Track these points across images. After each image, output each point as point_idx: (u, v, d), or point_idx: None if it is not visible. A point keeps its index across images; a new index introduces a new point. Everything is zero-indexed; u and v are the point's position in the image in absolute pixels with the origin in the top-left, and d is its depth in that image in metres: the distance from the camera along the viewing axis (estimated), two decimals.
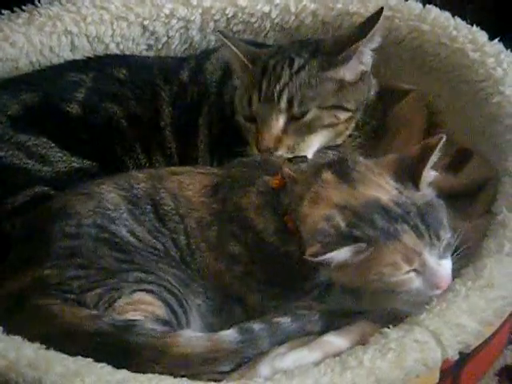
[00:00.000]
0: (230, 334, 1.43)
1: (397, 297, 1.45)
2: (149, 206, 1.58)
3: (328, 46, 1.83)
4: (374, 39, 1.80)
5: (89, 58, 2.02)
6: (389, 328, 1.41)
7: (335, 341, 1.44)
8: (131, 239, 1.54)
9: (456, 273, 1.50)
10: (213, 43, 2.15)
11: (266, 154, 1.74)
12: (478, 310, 1.43)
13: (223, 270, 1.55)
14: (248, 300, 1.55)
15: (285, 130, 1.76)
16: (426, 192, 1.47)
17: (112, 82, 1.93)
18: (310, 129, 1.77)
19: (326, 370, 1.33)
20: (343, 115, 1.80)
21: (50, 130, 1.84)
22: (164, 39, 2.13)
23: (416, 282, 1.43)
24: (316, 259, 1.38)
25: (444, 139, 1.46)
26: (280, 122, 1.76)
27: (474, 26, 1.93)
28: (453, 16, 1.98)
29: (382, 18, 1.77)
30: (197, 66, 2.00)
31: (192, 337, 1.42)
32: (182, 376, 1.35)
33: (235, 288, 1.56)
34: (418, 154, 1.47)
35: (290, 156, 1.74)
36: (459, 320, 1.41)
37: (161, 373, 1.35)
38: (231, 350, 1.40)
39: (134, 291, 1.46)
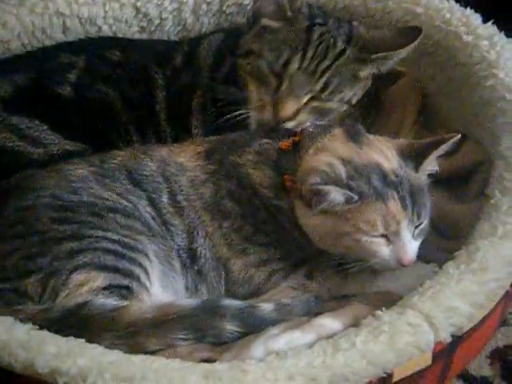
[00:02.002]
0: (187, 301, 1.47)
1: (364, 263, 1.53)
2: (122, 175, 1.61)
3: (362, 40, 1.81)
4: (406, 53, 1.79)
5: (81, 39, 2.01)
6: (381, 311, 1.42)
7: (328, 323, 1.44)
8: (91, 200, 1.55)
9: (449, 256, 1.52)
10: (206, 25, 2.14)
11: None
12: (470, 292, 1.43)
13: (215, 229, 1.59)
14: (232, 266, 1.58)
15: (305, 105, 1.76)
16: (422, 177, 1.55)
17: (105, 64, 1.91)
18: (321, 113, 1.78)
19: (319, 351, 1.33)
20: (345, 108, 1.82)
21: (42, 112, 1.83)
22: (157, 21, 2.11)
23: (384, 250, 1.50)
24: (316, 187, 1.47)
25: (459, 137, 1.55)
26: (307, 97, 1.76)
27: (468, 8, 1.93)
28: None
29: (421, 36, 1.77)
30: (190, 50, 1.98)
31: (141, 306, 1.44)
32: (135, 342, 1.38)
33: (222, 251, 1.59)
34: (429, 142, 1.56)
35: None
36: (452, 303, 1.41)
37: (114, 339, 1.38)
38: (183, 315, 1.42)
39: (70, 273, 1.46)
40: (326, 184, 1.47)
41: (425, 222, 1.53)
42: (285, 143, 1.63)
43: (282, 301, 1.50)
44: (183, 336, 1.41)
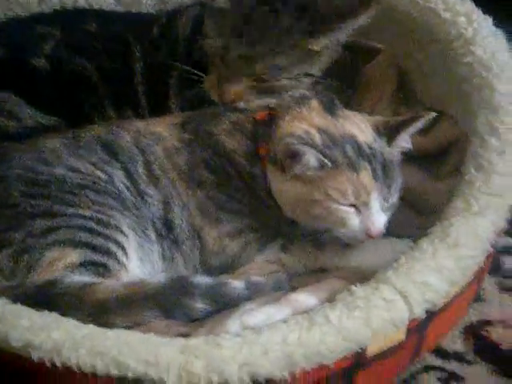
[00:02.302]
0: (156, 279, 1.46)
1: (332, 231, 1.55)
2: (98, 146, 1.61)
3: (316, 11, 1.78)
4: (362, 21, 1.77)
5: (57, 11, 1.99)
6: (356, 286, 1.42)
7: (304, 298, 1.45)
8: (62, 173, 1.54)
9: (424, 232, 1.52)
10: None
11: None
12: (444, 268, 1.44)
13: (190, 198, 1.59)
14: (207, 236, 1.59)
15: (252, 87, 1.75)
16: (395, 153, 1.57)
17: (82, 36, 1.90)
18: (272, 91, 1.77)
19: (294, 326, 1.33)
20: (307, 80, 1.80)
21: (16, 85, 1.82)
22: None
23: (353, 219, 1.52)
24: (293, 147, 1.48)
25: (433, 115, 1.59)
26: (249, 81, 1.75)
27: None
28: None
29: (374, 4, 1.75)
30: (167, 23, 1.97)
31: (110, 284, 1.44)
32: (102, 321, 1.37)
33: (197, 220, 1.59)
34: (403, 119, 1.59)
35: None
36: (426, 279, 1.42)
37: (82, 318, 1.36)
38: (152, 294, 1.42)
39: (44, 251, 1.46)
40: (303, 144, 1.48)
41: (395, 197, 1.55)
42: (261, 114, 1.64)
43: (254, 279, 1.50)
44: (151, 314, 1.41)
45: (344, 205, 1.51)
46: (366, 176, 1.51)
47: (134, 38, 1.91)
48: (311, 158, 1.49)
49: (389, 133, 1.58)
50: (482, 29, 1.80)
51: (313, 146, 1.49)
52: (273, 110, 1.65)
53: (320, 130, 1.54)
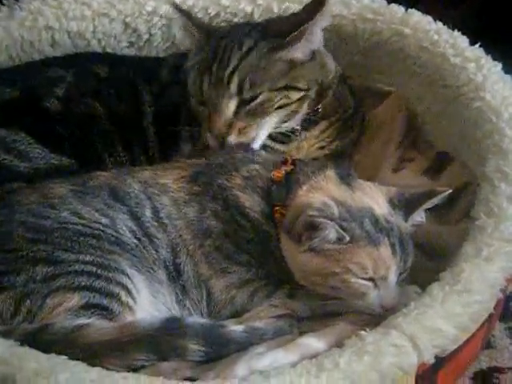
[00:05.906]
0: (148, 320, 1.44)
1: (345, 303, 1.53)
2: (104, 192, 1.60)
3: (276, 28, 1.81)
4: (323, 20, 1.77)
5: (70, 54, 2.01)
6: (366, 331, 1.41)
7: (312, 343, 1.44)
8: (65, 219, 1.54)
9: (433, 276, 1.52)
10: None
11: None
12: (454, 314, 1.43)
13: (196, 248, 1.58)
14: (214, 286, 1.57)
15: (236, 114, 1.75)
16: (409, 227, 1.57)
17: (93, 79, 1.91)
18: (262, 111, 1.76)
19: (302, 371, 1.32)
20: (295, 95, 1.79)
21: (29, 126, 1.82)
22: (146, 36, 2.12)
23: (370, 293, 1.51)
24: (313, 219, 1.46)
25: (450, 191, 1.58)
26: (231, 106, 1.74)
27: (456, 30, 1.94)
28: (436, 21, 1.98)
29: (325, 7, 1.74)
30: (176, 65, 1.98)
31: (102, 326, 1.42)
32: (94, 364, 1.34)
33: (203, 269, 1.58)
34: (420, 193, 1.59)
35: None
36: (436, 324, 1.41)
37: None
38: (143, 335, 1.40)
39: (45, 297, 1.45)
40: (324, 217, 1.47)
41: (408, 268, 1.55)
42: (277, 174, 1.62)
43: (254, 324, 1.49)
44: (144, 357, 1.39)
45: (363, 279, 1.49)
46: (385, 251, 1.49)
47: (143, 81, 1.93)
48: (331, 231, 1.47)
49: (404, 207, 1.57)
50: (492, 74, 1.81)
51: (332, 219, 1.48)
52: (287, 167, 1.63)
53: (338, 202, 1.52)
